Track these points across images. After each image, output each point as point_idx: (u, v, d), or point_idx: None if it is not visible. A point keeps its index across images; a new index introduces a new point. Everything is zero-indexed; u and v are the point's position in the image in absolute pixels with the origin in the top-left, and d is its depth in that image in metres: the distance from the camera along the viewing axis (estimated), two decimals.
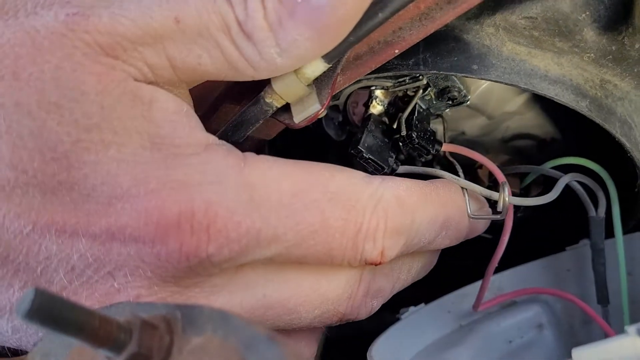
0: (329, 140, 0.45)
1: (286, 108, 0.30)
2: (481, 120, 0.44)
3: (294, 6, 0.25)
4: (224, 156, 0.27)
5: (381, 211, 0.29)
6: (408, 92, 0.39)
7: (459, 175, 0.36)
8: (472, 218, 0.35)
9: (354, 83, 0.39)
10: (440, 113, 0.40)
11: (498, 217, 0.35)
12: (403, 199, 0.30)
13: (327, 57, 0.27)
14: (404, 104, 0.40)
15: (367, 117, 0.39)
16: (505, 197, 0.34)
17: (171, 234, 0.25)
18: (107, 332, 0.20)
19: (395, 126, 0.39)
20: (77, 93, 0.24)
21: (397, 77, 0.37)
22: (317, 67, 0.28)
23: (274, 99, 0.29)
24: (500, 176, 0.36)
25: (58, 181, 0.25)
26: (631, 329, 0.23)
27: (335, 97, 0.41)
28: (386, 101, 0.40)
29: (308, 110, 0.28)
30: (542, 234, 0.47)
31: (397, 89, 0.38)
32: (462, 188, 0.35)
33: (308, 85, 0.28)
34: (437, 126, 0.41)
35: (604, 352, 0.23)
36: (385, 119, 0.40)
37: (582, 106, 0.33)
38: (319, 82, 0.29)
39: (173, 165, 0.26)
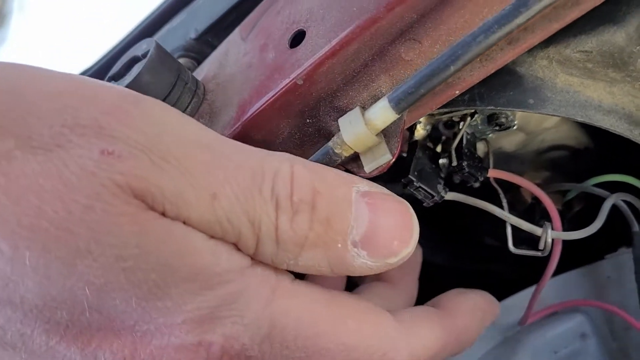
0: None
1: (354, 156, 0.30)
2: (519, 136, 0.44)
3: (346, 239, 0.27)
4: (256, 286, 0.26)
5: None
6: (453, 118, 0.39)
7: (502, 204, 0.37)
8: (515, 253, 0.36)
9: None
10: (485, 137, 0.40)
11: (539, 254, 0.36)
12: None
13: (397, 109, 0.28)
14: (447, 128, 0.40)
15: (413, 143, 0.39)
16: (548, 238, 0.35)
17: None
18: None
19: (439, 150, 0.40)
20: (110, 237, 0.23)
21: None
22: (388, 118, 0.28)
23: (343, 150, 0.29)
24: (548, 203, 0.37)
25: (88, 321, 0.24)
26: None
27: None
28: (429, 125, 0.40)
29: (379, 160, 0.29)
30: (581, 242, 0.48)
31: (443, 116, 0.38)
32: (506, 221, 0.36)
33: (377, 135, 0.29)
34: (480, 147, 0.42)
35: None
36: (430, 144, 0.40)
37: (635, 134, 0.34)
38: (386, 131, 0.29)
39: (205, 296, 0.25)
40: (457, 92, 0.31)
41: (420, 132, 0.40)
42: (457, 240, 0.50)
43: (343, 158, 0.30)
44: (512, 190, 0.44)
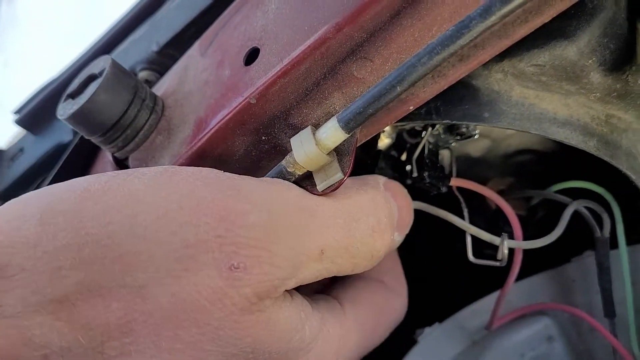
0: None
1: (308, 175, 0.30)
2: (485, 142, 0.45)
3: None
4: (327, 347, 0.31)
5: None
6: (415, 127, 0.39)
7: (463, 213, 0.37)
8: (474, 263, 0.36)
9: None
10: (447, 146, 0.40)
11: (498, 264, 0.36)
12: None
13: (346, 128, 0.28)
14: (410, 136, 0.40)
15: (376, 153, 0.39)
16: (505, 249, 0.36)
17: None
18: None
19: (404, 158, 0.40)
20: (233, 348, 0.26)
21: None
22: (338, 137, 0.28)
23: (296, 169, 0.29)
24: (508, 211, 0.37)
25: None
26: None
27: None
28: (394, 134, 0.40)
29: (330, 179, 0.29)
30: (547, 245, 0.48)
31: (407, 125, 0.38)
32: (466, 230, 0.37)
33: (329, 154, 0.29)
34: (443, 153, 0.42)
35: None
36: (394, 152, 0.41)
37: (590, 146, 0.34)
38: (339, 149, 0.30)
39: None
40: (411, 107, 0.31)
41: (384, 141, 0.40)
42: (426, 247, 0.51)
43: (296, 176, 0.30)
44: (477, 197, 0.45)
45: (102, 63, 0.33)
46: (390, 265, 0.38)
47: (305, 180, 0.30)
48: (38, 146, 0.45)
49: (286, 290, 0.29)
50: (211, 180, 0.27)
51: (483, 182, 0.45)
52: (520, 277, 0.48)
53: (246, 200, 0.27)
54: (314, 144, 0.28)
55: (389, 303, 0.37)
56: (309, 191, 0.30)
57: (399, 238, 0.34)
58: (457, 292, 0.49)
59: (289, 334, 0.29)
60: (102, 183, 0.27)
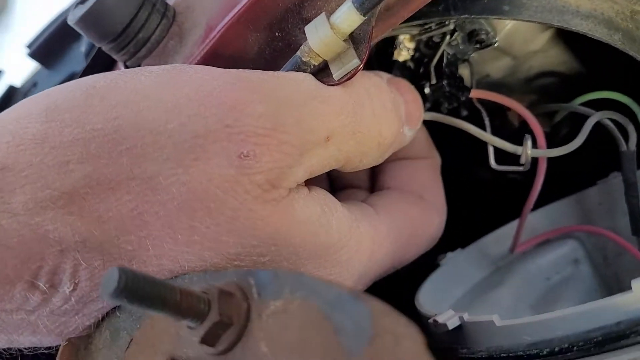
0: None
1: (324, 66, 0.29)
2: (505, 61, 0.43)
3: None
4: (362, 246, 0.31)
5: None
6: (434, 38, 0.38)
7: (484, 124, 0.36)
8: (496, 169, 0.35)
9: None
10: (467, 58, 0.39)
11: (521, 168, 0.35)
12: None
13: (361, 9, 0.27)
14: (429, 49, 0.39)
15: (391, 64, 0.38)
16: (528, 151, 0.35)
17: None
18: (189, 304, 0.20)
19: (421, 71, 0.39)
20: (252, 239, 0.26)
21: (422, 25, 0.37)
22: (353, 21, 0.27)
23: (311, 57, 0.28)
24: (532, 120, 0.36)
25: None
26: None
27: None
28: (411, 47, 0.39)
29: (347, 66, 0.28)
30: (572, 168, 0.47)
31: (423, 35, 0.37)
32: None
33: (344, 41, 0.28)
34: (463, 71, 0.41)
35: None
36: (411, 64, 0.39)
37: (615, 39, 0.33)
38: (354, 37, 0.29)
39: (326, 268, 0.29)
40: None
41: (401, 53, 0.39)
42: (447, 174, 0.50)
43: (312, 67, 0.29)
44: (499, 114, 0.43)
45: None
46: (431, 181, 0.38)
47: (321, 73, 0.29)
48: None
49: (304, 185, 0.29)
50: (220, 73, 0.27)
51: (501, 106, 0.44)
52: (545, 202, 0.47)
53: (255, 91, 0.26)
54: (329, 28, 0.27)
55: (426, 217, 0.36)
56: (325, 82, 0.29)
57: (409, 132, 0.34)
58: (483, 218, 0.48)
59: (312, 226, 0.28)
60: (108, 80, 0.27)
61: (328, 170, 0.29)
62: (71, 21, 0.32)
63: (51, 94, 0.27)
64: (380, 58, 0.39)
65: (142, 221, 0.25)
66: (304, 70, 0.29)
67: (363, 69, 0.29)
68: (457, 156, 0.46)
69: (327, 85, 0.29)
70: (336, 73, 0.28)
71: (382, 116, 0.30)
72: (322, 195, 0.29)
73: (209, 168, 0.25)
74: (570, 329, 0.25)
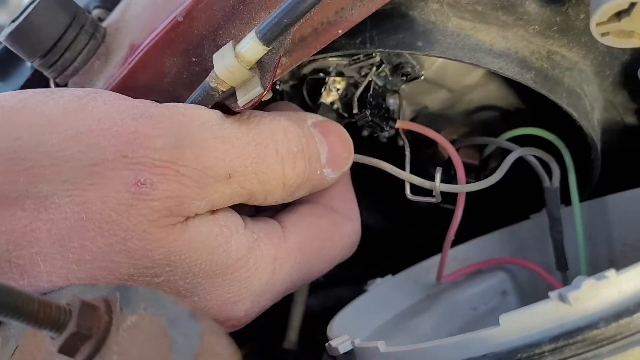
0: None
1: (233, 92, 0.30)
2: (442, 94, 0.44)
3: None
4: (263, 263, 0.31)
5: None
6: (362, 71, 0.39)
7: (406, 152, 0.37)
8: (411, 199, 0.36)
9: (309, 63, 0.40)
10: (396, 89, 0.40)
11: (433, 200, 0.36)
12: None
13: (264, 40, 0.28)
14: (357, 88, 0.40)
15: (317, 106, 0.39)
16: (437, 184, 0.36)
17: None
18: (46, 314, 0.21)
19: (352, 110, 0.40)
20: (145, 260, 0.27)
21: (351, 56, 0.38)
22: (257, 51, 0.28)
23: (218, 84, 0.29)
24: (451, 151, 0.37)
25: None
26: (553, 294, 0.24)
27: (294, 77, 0.42)
28: (341, 87, 0.40)
29: (251, 93, 0.29)
30: (508, 202, 0.48)
31: (353, 66, 0.39)
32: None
33: (250, 69, 0.29)
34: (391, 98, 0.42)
35: (530, 317, 0.24)
36: (338, 106, 0.40)
37: (526, 78, 0.34)
38: (262, 66, 0.30)
39: (225, 286, 0.30)
40: (339, 31, 0.31)
41: (329, 94, 0.40)
42: (387, 201, 0.50)
43: (220, 92, 0.30)
44: (432, 145, 0.44)
45: None
46: (341, 191, 0.38)
47: (230, 98, 0.31)
48: (3, 90, 0.46)
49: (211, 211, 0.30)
50: (125, 107, 0.29)
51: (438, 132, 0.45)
52: (481, 233, 0.48)
53: (156, 126, 0.28)
54: (233, 57, 0.28)
55: (337, 227, 0.36)
56: (231, 107, 0.30)
57: (333, 174, 0.35)
58: (418, 248, 0.48)
59: (208, 247, 0.29)
60: (17, 100, 0.28)
61: (232, 204, 0.31)
62: (2, 37, 0.33)
63: None
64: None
65: (34, 238, 0.26)
66: (212, 96, 0.30)
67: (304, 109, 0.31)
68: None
69: (234, 109, 0.30)
70: (240, 100, 0.29)
71: (286, 159, 0.31)
72: (223, 217, 0.30)
73: (105, 192, 0.26)
74: (446, 357, 0.26)
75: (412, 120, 0.48)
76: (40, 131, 0.27)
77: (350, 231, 0.37)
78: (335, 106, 0.39)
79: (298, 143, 0.32)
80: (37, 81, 0.39)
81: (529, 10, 0.33)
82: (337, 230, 0.36)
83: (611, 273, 0.24)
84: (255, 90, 0.29)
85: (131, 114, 0.28)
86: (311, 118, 0.35)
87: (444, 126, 0.47)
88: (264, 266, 0.31)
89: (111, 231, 0.26)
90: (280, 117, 0.33)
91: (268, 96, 0.30)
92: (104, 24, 0.36)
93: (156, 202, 0.27)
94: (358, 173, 0.41)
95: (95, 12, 0.40)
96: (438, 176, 0.36)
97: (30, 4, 0.33)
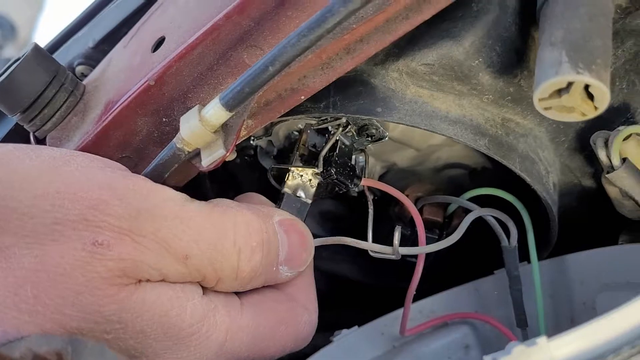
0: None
1: (198, 152, 0.32)
2: (410, 152, 0.46)
3: None
4: (214, 335, 0.32)
5: None
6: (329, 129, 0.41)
7: (369, 209, 0.39)
8: (373, 255, 0.38)
9: (281, 122, 0.42)
10: (363, 148, 0.42)
11: (393, 257, 0.38)
12: None
13: (227, 106, 0.30)
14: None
15: (281, 196, 0.40)
16: (396, 242, 0.38)
17: None
18: None
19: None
20: (96, 316, 0.28)
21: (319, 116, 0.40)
22: (220, 116, 0.30)
23: (184, 145, 0.31)
24: (413, 211, 0.39)
25: None
26: (487, 358, 0.25)
27: (267, 133, 0.43)
28: (306, 175, 0.41)
29: (214, 155, 0.31)
30: (472, 257, 0.49)
31: (321, 125, 0.40)
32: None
33: (215, 132, 0.31)
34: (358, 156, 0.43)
35: None
36: (302, 194, 0.41)
37: (480, 144, 0.36)
38: (226, 128, 0.32)
39: (175, 352, 0.31)
40: (302, 97, 0.33)
41: (293, 181, 0.40)
42: (356, 253, 0.52)
43: (186, 153, 0.32)
44: (399, 202, 0.46)
45: (27, 48, 0.36)
46: (303, 281, 0.39)
47: (197, 157, 0.32)
48: None
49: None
50: (94, 175, 0.31)
51: (405, 189, 0.47)
52: (446, 287, 0.49)
53: (119, 197, 0.30)
54: (198, 121, 0.30)
55: (294, 316, 0.37)
56: (197, 167, 0.32)
57: (289, 272, 0.36)
58: (387, 299, 0.49)
59: (162, 309, 0.30)
60: None
61: (183, 281, 0.32)
62: None
63: None
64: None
65: None
66: (178, 155, 0.32)
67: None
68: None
69: (200, 169, 0.32)
70: (204, 160, 0.31)
71: (243, 252, 0.32)
72: (181, 284, 0.32)
73: (63, 248, 0.28)
74: None
75: (383, 175, 0.50)
76: (11, 187, 0.29)
77: (307, 322, 0.38)
78: (299, 193, 0.40)
79: (258, 238, 0.33)
80: (22, 131, 0.41)
81: (482, 81, 0.35)
82: (293, 319, 0.37)
83: (542, 340, 0.25)
84: (218, 152, 0.31)
85: (98, 183, 0.30)
86: (279, 215, 0.36)
87: (412, 182, 0.48)
88: (215, 336, 0.32)
89: (65, 284, 0.28)
90: (247, 210, 0.34)
91: (232, 157, 0.32)
92: (85, 81, 0.38)
93: (111, 262, 0.28)
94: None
95: (79, 69, 0.42)
96: (397, 236, 0.37)
97: (14, 62, 0.35)
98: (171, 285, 0.31)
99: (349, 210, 0.56)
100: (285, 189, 0.39)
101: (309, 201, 0.39)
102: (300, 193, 0.39)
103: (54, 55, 0.43)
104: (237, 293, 0.36)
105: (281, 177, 0.40)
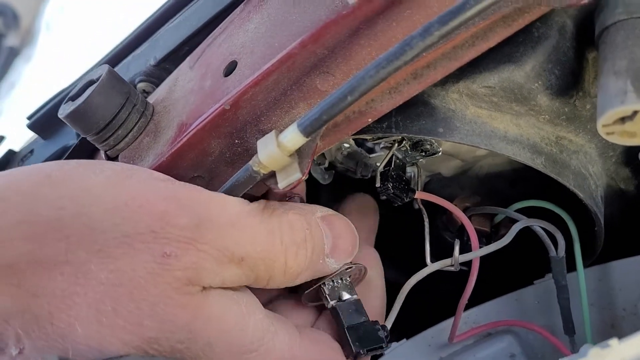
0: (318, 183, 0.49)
1: (273, 173, 0.33)
2: (456, 162, 0.48)
3: None
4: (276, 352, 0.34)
5: None
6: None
7: (425, 223, 0.40)
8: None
9: None
10: (415, 162, 0.43)
11: (452, 268, 0.39)
12: None
13: (305, 132, 0.31)
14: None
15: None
16: (456, 254, 0.39)
17: None
18: None
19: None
20: (170, 325, 0.30)
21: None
22: (298, 141, 0.31)
23: (260, 168, 0.33)
24: (465, 221, 0.40)
25: None
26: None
27: None
28: None
29: (290, 178, 0.32)
30: (513, 268, 0.51)
31: (376, 140, 0.42)
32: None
33: (290, 156, 0.32)
34: (411, 169, 0.45)
35: None
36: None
37: (537, 163, 0.37)
38: (300, 152, 0.33)
39: None
40: (369, 119, 0.35)
41: None
42: (408, 258, 0.53)
43: (262, 175, 0.33)
44: (447, 212, 0.47)
45: (100, 70, 0.37)
46: None
47: (271, 179, 0.34)
48: (46, 148, 0.49)
49: (229, 288, 0.33)
50: (159, 187, 0.33)
51: (452, 199, 0.48)
52: (487, 299, 0.50)
53: (183, 207, 0.32)
54: (276, 146, 0.32)
55: None
56: (271, 188, 0.34)
57: (335, 264, 0.38)
58: (432, 311, 0.51)
59: (227, 323, 0.32)
60: (64, 172, 0.32)
61: (239, 284, 0.34)
62: (61, 115, 0.37)
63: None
64: None
65: (73, 302, 0.29)
66: (254, 177, 0.33)
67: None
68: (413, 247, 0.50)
69: (274, 190, 0.33)
70: (281, 183, 0.33)
71: (289, 249, 0.34)
72: (244, 297, 0.34)
73: (135, 261, 0.30)
74: None
75: (426, 184, 0.51)
76: (82, 203, 0.30)
77: None
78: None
79: (302, 235, 0.35)
80: (84, 147, 0.43)
81: (540, 102, 0.36)
82: None
83: (614, 342, 0.27)
84: (295, 176, 0.32)
85: (162, 195, 0.32)
86: (321, 211, 0.38)
87: (457, 192, 0.50)
88: (274, 356, 0.34)
89: (141, 297, 0.30)
90: (290, 209, 0.36)
91: (305, 177, 0.33)
92: (152, 101, 0.40)
93: (179, 272, 0.30)
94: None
95: (141, 85, 0.43)
96: (457, 248, 0.39)
97: (88, 86, 0.37)
98: (235, 297, 0.33)
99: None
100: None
101: None
102: None
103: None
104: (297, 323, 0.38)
105: None
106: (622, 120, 0.31)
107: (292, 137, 0.31)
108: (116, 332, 0.29)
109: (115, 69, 0.45)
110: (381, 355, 0.46)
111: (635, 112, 0.30)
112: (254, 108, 0.34)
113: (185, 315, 0.30)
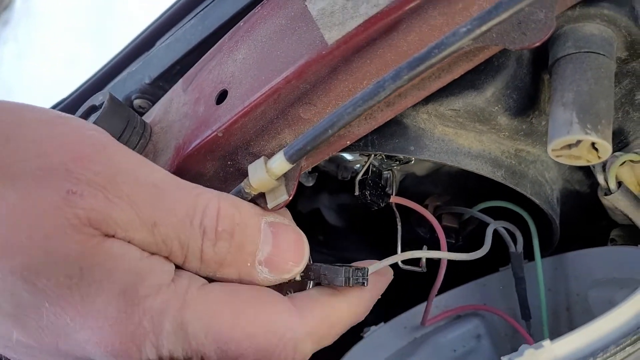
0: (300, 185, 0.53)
1: (262, 194, 0.37)
2: (427, 164, 0.52)
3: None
4: (172, 299, 0.32)
5: None
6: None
7: (397, 226, 0.45)
8: (403, 268, 0.44)
9: None
10: (390, 169, 0.48)
11: (420, 270, 0.44)
12: None
13: (290, 160, 0.35)
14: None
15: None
16: (423, 261, 0.44)
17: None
18: None
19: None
20: (58, 258, 0.30)
21: None
22: (283, 167, 0.35)
23: (251, 190, 0.37)
24: (435, 224, 0.45)
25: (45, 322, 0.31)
26: (504, 358, 0.32)
27: None
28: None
29: (278, 199, 0.36)
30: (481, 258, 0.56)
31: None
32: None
33: (277, 179, 0.36)
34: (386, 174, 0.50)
35: None
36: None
37: (498, 175, 0.42)
38: (287, 175, 0.37)
39: (132, 312, 0.31)
40: (348, 142, 0.39)
41: None
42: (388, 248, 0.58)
43: (252, 195, 0.37)
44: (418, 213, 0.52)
45: (102, 97, 0.40)
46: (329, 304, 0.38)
47: (261, 199, 0.38)
48: None
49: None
50: (87, 135, 0.33)
51: (425, 197, 0.53)
52: (456, 284, 0.56)
53: (103, 156, 0.32)
54: (264, 172, 0.36)
55: (272, 321, 0.35)
56: (263, 209, 0.38)
57: (268, 275, 0.35)
58: (408, 298, 0.56)
59: (124, 264, 0.31)
60: (7, 104, 0.33)
61: (150, 252, 0.33)
62: None
63: None
64: None
65: None
66: (245, 197, 0.37)
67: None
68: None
69: (264, 210, 0.37)
70: (270, 204, 0.37)
71: (207, 234, 0.34)
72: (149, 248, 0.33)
73: (40, 192, 0.30)
74: None
75: (401, 182, 0.56)
76: (14, 133, 0.32)
77: (290, 338, 0.35)
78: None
79: (227, 226, 0.34)
80: None
81: (500, 122, 0.41)
82: (270, 324, 0.35)
83: (546, 342, 0.32)
84: (282, 197, 0.36)
85: (89, 142, 0.33)
86: (273, 217, 0.37)
87: (430, 189, 0.55)
88: (174, 301, 0.32)
89: (36, 226, 0.30)
90: (224, 198, 0.35)
91: (291, 198, 0.37)
92: (149, 120, 0.43)
93: (80, 211, 0.30)
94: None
95: (137, 102, 0.47)
96: (423, 262, 0.43)
97: (90, 112, 0.40)
98: (139, 249, 0.32)
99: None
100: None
101: None
102: None
103: (111, 87, 0.48)
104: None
105: None
106: (569, 146, 0.35)
107: (279, 164, 0.35)
108: (5, 254, 0.30)
109: (112, 84, 0.48)
110: (360, 338, 0.51)
111: (579, 141, 0.34)
112: (244, 134, 0.38)
113: (76, 251, 0.30)
